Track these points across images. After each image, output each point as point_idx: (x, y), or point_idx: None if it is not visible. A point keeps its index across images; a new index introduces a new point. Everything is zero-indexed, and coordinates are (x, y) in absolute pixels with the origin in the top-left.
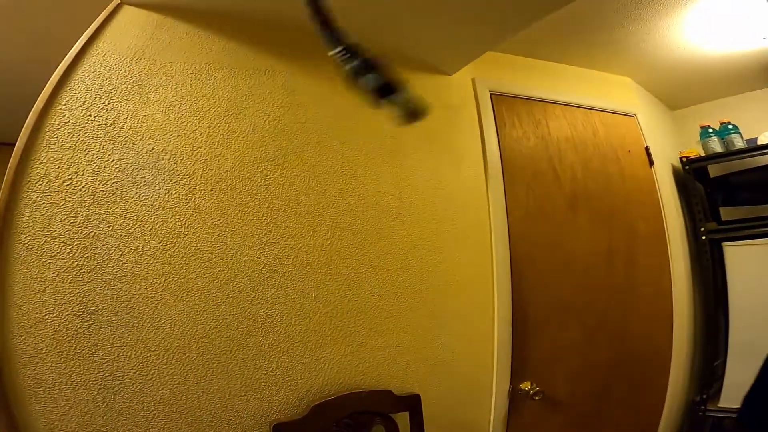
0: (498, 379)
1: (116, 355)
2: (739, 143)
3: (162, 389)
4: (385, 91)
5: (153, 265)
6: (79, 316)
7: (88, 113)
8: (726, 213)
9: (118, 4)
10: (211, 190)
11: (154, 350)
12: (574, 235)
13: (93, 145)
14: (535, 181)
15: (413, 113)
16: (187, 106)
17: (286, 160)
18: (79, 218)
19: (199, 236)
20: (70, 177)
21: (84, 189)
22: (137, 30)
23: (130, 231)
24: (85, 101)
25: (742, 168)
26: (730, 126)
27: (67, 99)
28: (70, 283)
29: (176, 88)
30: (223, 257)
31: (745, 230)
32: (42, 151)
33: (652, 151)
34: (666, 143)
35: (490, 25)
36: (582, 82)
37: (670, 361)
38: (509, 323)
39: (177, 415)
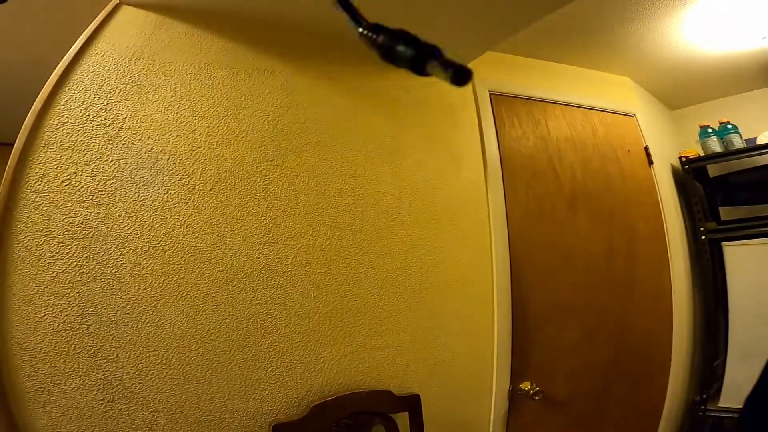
0: (498, 378)
1: (115, 355)
2: (738, 143)
3: (161, 390)
4: (423, 57)
5: (152, 265)
6: (78, 316)
7: (87, 113)
8: (725, 213)
9: (117, 4)
10: (210, 191)
11: (154, 351)
12: (574, 235)
13: (92, 145)
14: (534, 181)
15: (459, 72)
16: (186, 106)
17: (285, 160)
18: (77, 218)
19: (198, 236)
20: (68, 177)
21: (83, 189)
22: (136, 30)
23: (129, 231)
24: (83, 101)
25: (742, 168)
26: (730, 126)
27: (65, 99)
28: (68, 283)
29: (175, 88)
30: (223, 257)
31: (745, 230)
32: (41, 151)
33: (651, 150)
34: (665, 143)
35: (489, 25)
36: (581, 82)
37: (669, 361)
38: (509, 323)
39: (176, 416)
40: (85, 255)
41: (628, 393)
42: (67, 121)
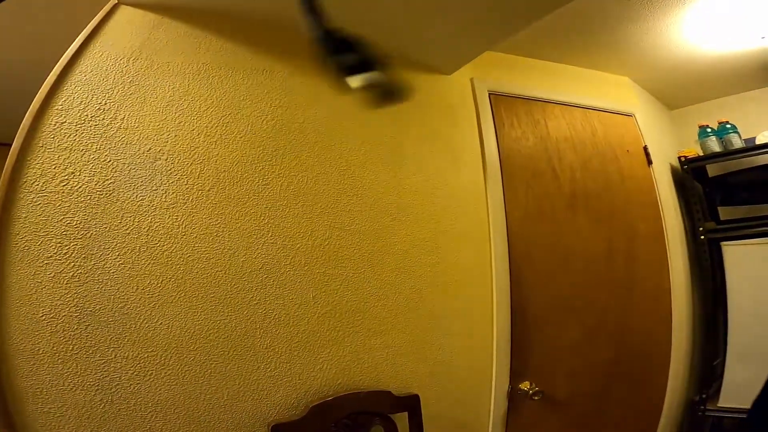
0: (497, 378)
1: (114, 356)
2: (737, 143)
3: (160, 390)
4: (360, 68)
5: (150, 265)
6: (76, 316)
7: (85, 113)
8: (724, 212)
9: (115, 4)
10: (208, 191)
11: (152, 351)
12: (573, 235)
13: (90, 145)
14: (534, 181)
15: (390, 93)
16: (185, 106)
17: (284, 160)
18: (75, 219)
19: (196, 237)
20: (66, 177)
21: (81, 189)
22: (134, 30)
23: (127, 231)
24: (81, 101)
25: (741, 167)
26: (729, 125)
27: (63, 99)
28: (67, 283)
29: (173, 88)
30: (221, 258)
31: (744, 230)
32: (39, 151)
33: (650, 150)
34: (664, 143)
35: (489, 25)
36: (580, 82)
37: (669, 361)
38: (508, 323)
39: (175, 416)
40: (84, 255)
41: (627, 393)
42: (65, 121)
